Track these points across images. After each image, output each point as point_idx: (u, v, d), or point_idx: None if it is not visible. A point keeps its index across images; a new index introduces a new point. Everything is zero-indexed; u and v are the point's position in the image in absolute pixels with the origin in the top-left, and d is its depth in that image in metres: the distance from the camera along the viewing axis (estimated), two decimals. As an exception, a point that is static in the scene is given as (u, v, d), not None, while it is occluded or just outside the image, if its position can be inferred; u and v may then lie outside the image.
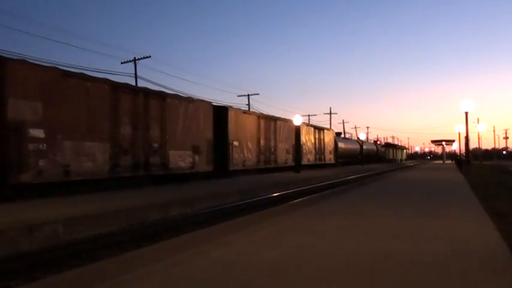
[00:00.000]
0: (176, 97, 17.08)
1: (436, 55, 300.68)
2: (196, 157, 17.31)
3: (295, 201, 11.85)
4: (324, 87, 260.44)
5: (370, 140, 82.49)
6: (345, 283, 3.57)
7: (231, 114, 20.64)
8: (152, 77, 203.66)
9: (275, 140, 25.42)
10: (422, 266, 4.06)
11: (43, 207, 9.10)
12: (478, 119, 51.75)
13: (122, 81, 15.02)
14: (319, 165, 33.11)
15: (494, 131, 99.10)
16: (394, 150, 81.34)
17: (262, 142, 23.77)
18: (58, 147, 11.38)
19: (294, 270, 3.94)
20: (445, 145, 78.72)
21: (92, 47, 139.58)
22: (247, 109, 40.95)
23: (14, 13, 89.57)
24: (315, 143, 32.66)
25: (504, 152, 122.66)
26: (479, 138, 70.36)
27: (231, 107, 22.24)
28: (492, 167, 44.80)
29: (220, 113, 19.90)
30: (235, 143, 20.81)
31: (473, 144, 71.97)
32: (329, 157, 36.21)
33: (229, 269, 4.01)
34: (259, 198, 13.47)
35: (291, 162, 27.38)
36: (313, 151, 32.21)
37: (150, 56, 36.09)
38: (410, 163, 76.94)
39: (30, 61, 11.82)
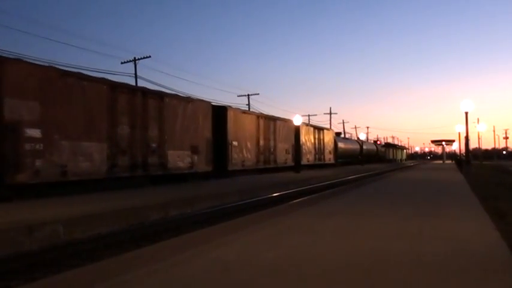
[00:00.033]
0: (175, 97, 17.00)
1: (436, 55, 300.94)
2: (195, 157, 17.23)
3: (295, 201, 11.81)
4: (324, 87, 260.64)
5: (370, 140, 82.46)
6: (345, 283, 3.56)
7: (230, 114, 20.56)
8: (152, 77, 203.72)
9: (274, 140, 25.34)
10: (423, 266, 4.05)
11: (40, 207, 9.03)
12: (478, 119, 51.83)
13: (122, 82, 14.98)
14: (318, 165, 33.04)
15: (494, 131, 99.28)
16: (394, 150, 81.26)
17: (261, 142, 23.69)
18: (55, 147, 11.30)
19: (294, 270, 3.93)
20: (445, 145, 78.70)
21: (92, 47, 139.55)
22: (247, 109, 40.88)
23: (14, 13, 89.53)
24: (314, 143, 32.59)
25: (504, 152, 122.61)
26: (479, 138, 70.49)
27: (230, 106, 22.17)
28: (492, 167, 44.78)
29: (220, 113, 19.83)
30: (235, 143, 20.73)
31: (473, 144, 72.03)
32: (329, 157, 36.14)
33: (229, 269, 4.01)
34: (259, 198, 13.42)
35: (290, 162, 27.31)
36: (312, 151, 32.13)
37: (150, 56, 36.07)
38: (410, 163, 76.87)
39: (28, 60, 11.75)
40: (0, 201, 9.77)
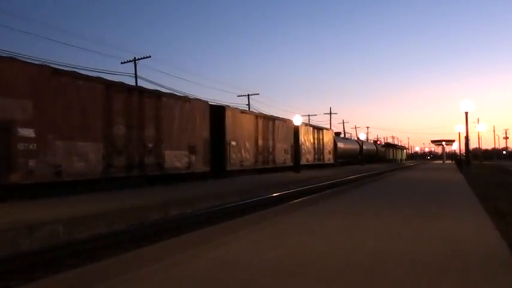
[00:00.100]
0: (172, 96, 16.85)
1: (436, 55, 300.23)
2: (193, 157, 17.07)
3: (295, 201, 11.78)
4: (324, 87, 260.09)
5: (370, 140, 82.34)
6: (345, 283, 3.56)
7: (228, 114, 20.42)
8: (152, 77, 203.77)
9: (273, 139, 25.20)
10: (423, 266, 4.04)
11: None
12: (478, 119, 51.80)
13: (123, 82, 14.80)
14: (318, 165, 32.91)
15: (494, 131, 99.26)
16: (394, 150, 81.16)
17: (260, 142, 23.54)
18: (49, 147, 11.14)
19: (294, 270, 3.94)
20: (445, 145, 78.64)
21: (92, 47, 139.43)
22: (247, 109, 40.76)
23: (14, 13, 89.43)
24: (313, 143, 32.45)
25: (504, 152, 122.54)
26: (479, 138, 70.49)
27: (228, 106, 22.02)
28: (492, 167, 44.81)
29: (218, 113, 19.68)
30: (233, 143, 20.58)
31: (473, 144, 71.94)
32: (328, 157, 36.01)
33: (229, 269, 4.01)
34: (259, 198, 13.35)
35: (289, 162, 27.17)
36: (312, 151, 31.99)
37: (150, 56, 36.06)
38: (410, 163, 76.76)
39: (20, 59, 11.60)
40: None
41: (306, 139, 30.80)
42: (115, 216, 8.61)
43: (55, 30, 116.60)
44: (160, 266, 4.10)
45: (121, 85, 14.23)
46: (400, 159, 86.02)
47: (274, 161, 25.32)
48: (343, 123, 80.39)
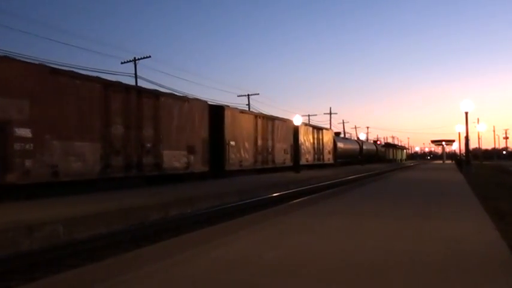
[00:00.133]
0: (170, 96, 16.77)
1: (436, 55, 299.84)
2: (192, 157, 16.99)
3: (295, 201, 11.78)
4: (324, 87, 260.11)
5: (370, 140, 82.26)
6: (345, 283, 3.56)
7: (227, 114, 20.34)
8: (152, 77, 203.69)
9: (273, 139, 25.12)
10: (423, 266, 4.04)
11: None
12: (478, 119, 51.76)
13: (121, 82, 14.71)
14: (317, 165, 32.83)
15: (494, 131, 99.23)
16: (394, 150, 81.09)
17: (259, 142, 23.45)
18: (46, 147, 11.06)
19: (294, 270, 3.94)
20: (445, 145, 78.62)
21: (92, 47, 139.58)
22: (247, 109, 40.69)
23: (14, 13, 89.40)
24: (313, 142, 32.37)
25: (504, 152, 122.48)
26: (479, 138, 70.42)
27: (227, 106, 21.95)
28: (492, 167, 44.79)
29: (217, 113, 19.60)
30: (232, 143, 20.50)
31: (473, 144, 71.86)
32: (328, 157, 35.93)
33: (229, 269, 4.00)
34: (259, 198, 13.31)
35: (289, 163, 27.09)
36: (311, 151, 31.91)
37: (150, 56, 35.98)
38: (410, 163, 76.71)
39: (18, 58, 11.52)
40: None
41: (306, 139, 30.72)
42: (113, 217, 8.55)
43: (55, 30, 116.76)
44: (160, 266, 4.10)
45: (119, 85, 14.14)
46: (400, 159, 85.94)
47: (273, 161, 25.24)
48: (343, 123, 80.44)
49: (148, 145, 14.72)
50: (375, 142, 73.70)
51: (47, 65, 12.45)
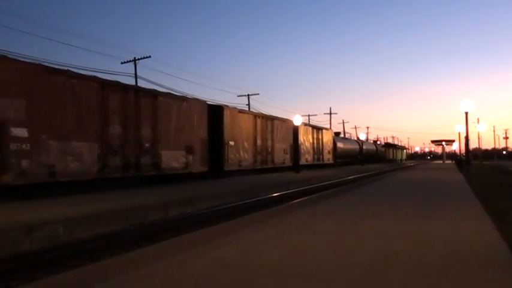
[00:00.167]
0: (169, 96, 16.69)
1: (436, 55, 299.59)
2: (190, 157, 16.89)
3: (295, 201, 11.76)
4: (324, 87, 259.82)
5: (370, 140, 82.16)
6: (345, 283, 3.56)
7: (226, 114, 20.24)
8: (152, 77, 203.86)
9: (272, 139, 25.02)
10: (423, 266, 4.04)
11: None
12: (478, 119, 51.66)
13: (118, 81, 14.62)
14: (317, 165, 32.75)
15: (494, 131, 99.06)
16: (394, 150, 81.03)
17: (258, 142, 23.36)
18: (43, 147, 10.96)
19: (294, 270, 3.94)
20: (445, 145, 78.57)
21: (92, 47, 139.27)
22: (247, 109, 40.60)
23: (14, 13, 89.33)
24: (313, 142, 32.28)
25: (504, 152, 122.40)
26: (479, 138, 70.27)
27: (226, 106, 21.85)
28: (492, 167, 44.78)
29: (216, 112, 19.51)
30: (231, 143, 20.40)
31: (473, 144, 71.77)
32: (327, 157, 35.84)
33: (229, 269, 4.01)
34: (259, 198, 13.27)
35: (288, 163, 27.00)
36: (311, 151, 31.82)
37: (150, 56, 35.86)
38: (410, 163, 76.66)
39: (14, 57, 11.43)
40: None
41: (305, 139, 30.63)
42: (112, 217, 8.49)
43: (55, 30, 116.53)
44: (160, 266, 4.10)
45: (116, 84, 14.05)
46: (400, 159, 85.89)
47: (273, 161, 25.15)
48: (343, 123, 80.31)
49: (147, 145, 14.63)
50: (374, 142, 73.61)
51: (45, 64, 12.36)
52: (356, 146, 49.72)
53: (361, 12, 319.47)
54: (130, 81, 32.58)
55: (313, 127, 34.24)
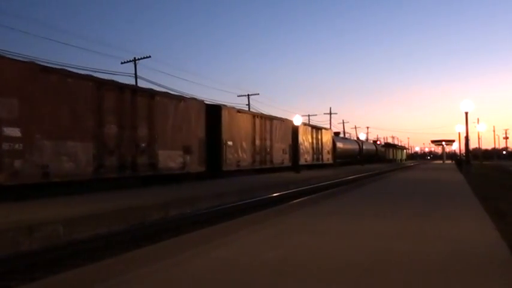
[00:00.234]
0: (166, 95, 16.54)
1: (436, 55, 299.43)
2: (188, 157, 16.73)
3: (295, 201, 11.72)
4: (324, 87, 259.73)
5: (370, 140, 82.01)
6: (345, 283, 3.55)
7: (224, 113, 20.09)
8: (152, 77, 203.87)
9: (271, 139, 24.87)
10: (423, 266, 4.04)
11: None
12: (478, 119, 51.65)
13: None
14: (316, 165, 32.60)
15: (494, 131, 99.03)
16: (394, 150, 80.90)
17: (257, 142, 23.21)
18: (36, 147, 10.79)
19: (294, 270, 3.93)
20: (445, 145, 78.47)
21: (92, 47, 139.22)
22: (247, 109, 40.46)
23: (14, 13, 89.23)
24: (312, 142, 32.14)
25: (504, 152, 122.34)
26: (479, 138, 70.26)
27: (224, 105, 21.69)
28: (492, 167, 44.81)
29: (214, 112, 19.37)
30: (229, 143, 20.25)
31: (473, 144, 71.71)
32: (327, 157, 35.69)
33: (229, 269, 4.01)
34: (259, 198, 13.19)
35: (287, 163, 26.85)
36: (310, 151, 31.67)
37: (150, 56, 35.77)
38: (410, 163, 76.55)
39: (7, 56, 11.27)
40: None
41: (305, 139, 30.47)
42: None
43: (55, 30, 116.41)
44: (160, 266, 4.10)
45: (112, 83, 13.89)
46: (400, 159, 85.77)
47: (272, 161, 25.00)
48: (343, 123, 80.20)
49: (143, 145, 14.47)
50: (374, 142, 73.47)
51: (42, 63, 12.21)
52: (356, 146, 49.58)
53: (361, 12, 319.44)
54: (131, 81, 32.47)
55: (313, 127, 34.11)
